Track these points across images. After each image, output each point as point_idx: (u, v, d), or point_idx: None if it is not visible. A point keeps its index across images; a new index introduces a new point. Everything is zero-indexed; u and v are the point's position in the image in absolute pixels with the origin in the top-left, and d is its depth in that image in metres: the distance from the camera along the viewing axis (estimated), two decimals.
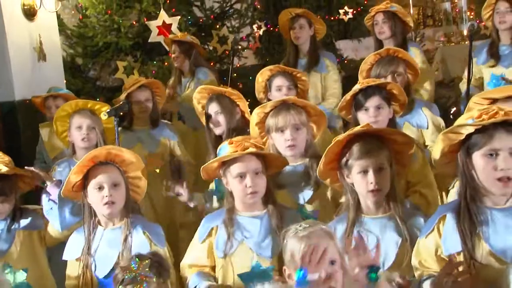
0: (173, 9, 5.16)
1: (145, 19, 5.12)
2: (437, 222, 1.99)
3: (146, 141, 3.84)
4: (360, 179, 2.15)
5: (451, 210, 1.98)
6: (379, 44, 4.29)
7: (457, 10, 6.15)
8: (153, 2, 5.12)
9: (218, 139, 3.19)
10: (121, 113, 3.92)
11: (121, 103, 3.68)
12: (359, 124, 2.43)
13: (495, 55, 3.97)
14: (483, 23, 4.76)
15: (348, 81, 4.55)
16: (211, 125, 3.26)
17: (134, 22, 5.27)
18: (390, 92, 2.82)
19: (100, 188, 2.44)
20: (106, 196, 2.42)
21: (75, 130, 3.35)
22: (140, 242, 2.45)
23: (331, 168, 2.27)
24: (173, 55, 4.52)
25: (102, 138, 3.36)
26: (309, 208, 2.64)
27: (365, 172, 2.14)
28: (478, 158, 1.89)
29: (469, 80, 3.76)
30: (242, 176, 2.33)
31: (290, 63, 4.35)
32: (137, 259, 2.15)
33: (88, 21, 5.27)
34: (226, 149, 2.38)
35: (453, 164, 2.01)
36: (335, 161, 2.25)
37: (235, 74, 5.36)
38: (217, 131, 3.24)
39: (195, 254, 2.45)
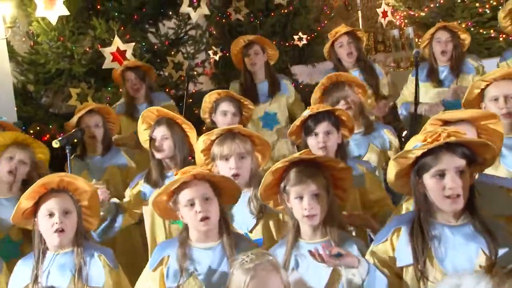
0: (128, 36, 5.14)
1: (99, 46, 5.08)
2: (391, 233, 2.09)
3: (93, 169, 3.80)
4: (297, 204, 2.22)
5: (406, 223, 2.08)
6: (341, 66, 4.39)
7: (405, 37, 6.41)
8: (107, 29, 5.09)
9: (160, 163, 3.20)
10: (75, 140, 3.88)
11: (73, 130, 3.64)
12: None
13: (434, 79, 4.17)
14: None
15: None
16: (154, 148, 3.21)
17: (88, 49, 5.22)
18: (339, 117, 2.91)
19: (51, 214, 2.42)
20: (56, 223, 2.39)
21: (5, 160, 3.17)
22: (97, 268, 2.44)
23: (273, 192, 2.32)
24: (128, 83, 4.46)
25: (35, 173, 3.19)
26: (252, 236, 2.66)
27: (300, 198, 2.21)
28: (428, 179, 2.01)
29: (416, 104, 3.91)
30: (192, 203, 2.31)
31: (248, 89, 4.41)
32: None
33: (40, 48, 5.18)
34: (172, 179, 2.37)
35: (408, 186, 2.12)
36: (276, 186, 2.30)
37: (190, 100, 5.38)
38: (159, 155, 3.20)
39: (146, 282, 2.42)
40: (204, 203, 2.31)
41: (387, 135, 3.38)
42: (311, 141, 2.85)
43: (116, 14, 5.30)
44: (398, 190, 2.20)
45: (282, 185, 2.27)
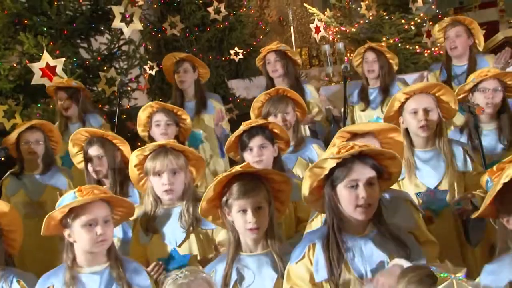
0: (57, 51, 5.02)
1: (27, 61, 4.93)
2: (307, 249, 2.12)
3: (30, 188, 3.68)
4: (240, 217, 2.23)
5: (319, 238, 2.13)
6: (272, 83, 4.49)
7: (337, 52, 6.61)
8: (35, 44, 4.95)
9: (98, 183, 3.16)
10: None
11: None
12: None
13: (365, 99, 4.33)
14: None
15: (241, 119, 4.67)
16: (91, 168, 3.21)
17: (15, 65, 5.06)
18: (273, 131, 2.96)
19: None
20: None
21: None
22: None
23: (213, 205, 2.33)
24: (60, 103, 4.38)
25: None
26: (180, 251, 2.67)
27: (244, 211, 2.22)
28: (341, 189, 2.08)
29: (344, 118, 4.05)
30: (92, 224, 2.27)
31: (178, 105, 4.41)
32: None
33: None
34: (72, 197, 2.31)
35: (321, 201, 2.17)
36: (217, 199, 2.31)
37: (124, 116, 5.32)
38: (98, 175, 3.20)
39: None
40: (104, 226, 2.29)
41: (316, 150, 3.47)
42: (247, 156, 2.89)
43: (45, 29, 5.17)
44: (310, 204, 2.25)
45: (224, 198, 2.27)
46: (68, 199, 2.32)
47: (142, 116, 3.72)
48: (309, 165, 3.40)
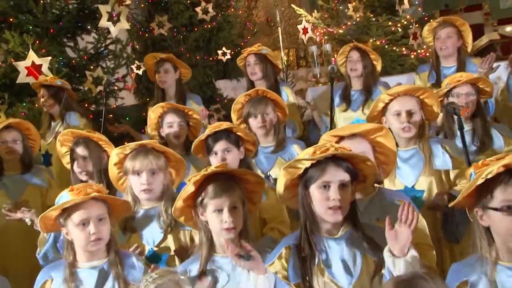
0: (43, 50, 4.98)
1: (12, 60, 4.89)
2: (282, 252, 2.15)
3: (11, 188, 3.65)
4: (215, 217, 2.24)
5: (293, 241, 2.16)
6: (252, 84, 4.51)
7: (324, 53, 6.64)
8: (20, 42, 4.92)
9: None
10: None
11: None
12: None
13: (346, 100, 4.36)
14: None
15: (228, 119, 4.69)
16: (77, 170, 3.20)
17: (0, 63, 5.02)
18: (237, 134, 3.01)
19: None
20: None
21: None
22: None
23: (187, 205, 2.33)
24: (42, 100, 4.38)
25: None
26: (158, 251, 2.67)
27: (219, 211, 2.23)
28: (314, 190, 2.10)
29: (331, 118, 4.07)
30: (85, 223, 2.29)
31: None
32: None
33: None
34: (66, 197, 2.32)
35: (296, 198, 2.20)
36: (191, 199, 2.31)
37: (111, 115, 5.29)
38: (83, 176, 3.20)
39: None
40: (98, 224, 2.30)
41: (296, 150, 3.50)
42: (212, 159, 2.96)
43: (31, 27, 5.14)
44: (286, 202, 2.28)
45: (199, 198, 2.28)
46: (62, 198, 2.33)
47: (152, 116, 3.75)
48: None
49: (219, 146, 2.94)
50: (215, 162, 2.87)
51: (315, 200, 2.11)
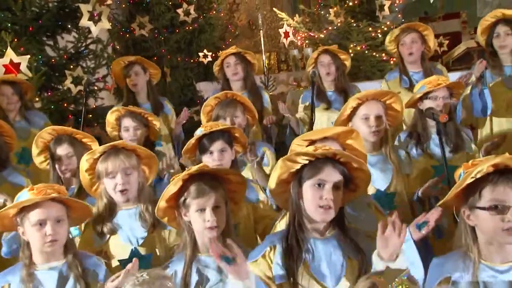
0: (22, 48, 4.91)
1: None
2: (267, 251, 2.15)
3: None
4: (198, 217, 2.24)
5: (279, 240, 2.16)
6: (228, 86, 4.51)
7: (305, 57, 6.67)
8: None
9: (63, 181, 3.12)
10: None
11: None
12: None
13: (324, 100, 4.40)
14: None
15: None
16: (62, 168, 3.15)
17: None
18: (233, 135, 3.00)
19: None
20: None
21: None
22: None
23: (170, 206, 2.33)
24: (3, 98, 4.22)
25: None
26: (142, 251, 2.64)
27: (202, 210, 2.23)
28: (307, 187, 2.12)
29: (311, 123, 4.09)
30: (41, 223, 2.25)
31: None
32: None
33: None
34: (26, 196, 2.28)
35: (285, 195, 2.21)
36: (173, 199, 2.31)
37: (91, 115, 5.24)
38: (67, 174, 3.15)
39: None
40: (56, 225, 2.26)
41: (266, 153, 3.55)
42: (207, 159, 2.91)
43: (9, 24, 5.06)
44: (275, 197, 2.28)
45: (181, 198, 2.27)
46: (21, 197, 2.29)
47: (110, 119, 3.73)
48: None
49: (216, 146, 2.91)
50: (210, 161, 2.84)
51: (307, 198, 2.12)
